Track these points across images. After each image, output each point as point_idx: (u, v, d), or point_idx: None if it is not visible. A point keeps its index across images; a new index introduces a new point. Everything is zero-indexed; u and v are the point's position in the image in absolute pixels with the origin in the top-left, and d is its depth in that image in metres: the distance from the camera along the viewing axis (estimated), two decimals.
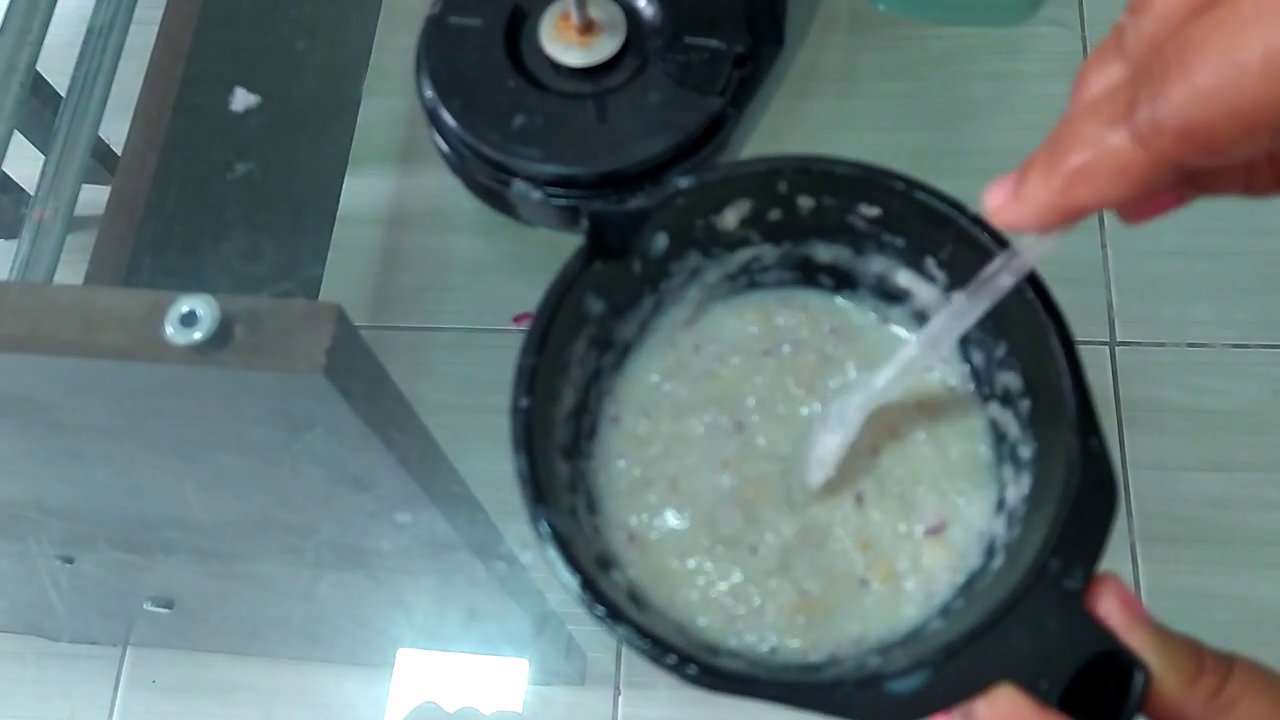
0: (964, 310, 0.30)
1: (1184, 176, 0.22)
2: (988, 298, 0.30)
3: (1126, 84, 0.22)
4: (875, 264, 0.35)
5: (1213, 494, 0.78)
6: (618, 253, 0.33)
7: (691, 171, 0.34)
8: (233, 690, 0.84)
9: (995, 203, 0.26)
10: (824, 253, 0.36)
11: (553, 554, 0.29)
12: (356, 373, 0.36)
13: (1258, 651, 0.28)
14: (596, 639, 0.78)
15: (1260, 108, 0.21)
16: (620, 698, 0.78)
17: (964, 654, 0.27)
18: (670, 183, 0.33)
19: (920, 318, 0.35)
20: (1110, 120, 0.22)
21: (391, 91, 0.77)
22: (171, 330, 0.35)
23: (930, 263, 0.34)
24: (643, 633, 0.29)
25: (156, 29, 0.64)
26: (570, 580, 0.29)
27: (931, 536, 0.33)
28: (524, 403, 0.31)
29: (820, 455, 0.33)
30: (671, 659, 0.28)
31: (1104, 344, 0.81)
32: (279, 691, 0.84)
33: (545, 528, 0.30)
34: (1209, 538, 0.77)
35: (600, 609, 0.29)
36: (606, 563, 0.33)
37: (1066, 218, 0.24)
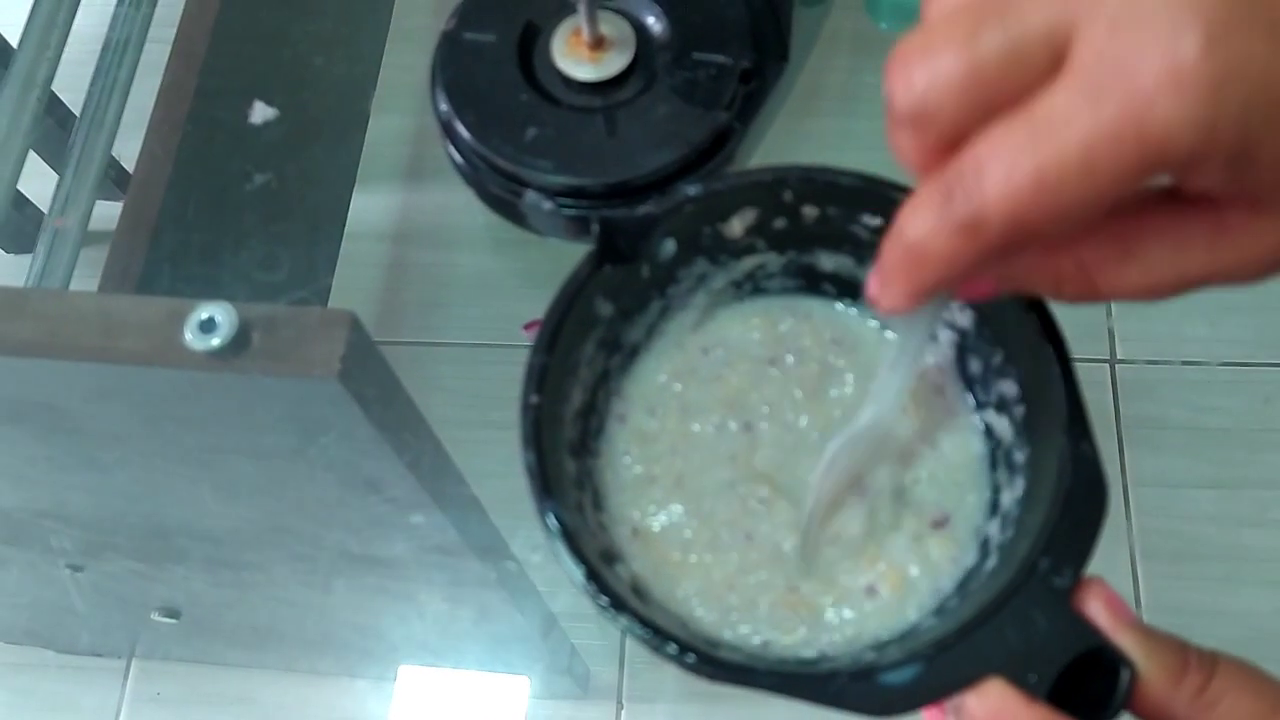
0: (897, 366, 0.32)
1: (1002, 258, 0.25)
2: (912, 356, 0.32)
3: (938, 185, 0.24)
4: None
5: (1212, 511, 0.78)
6: (627, 257, 0.34)
7: (699, 180, 0.34)
8: (236, 703, 0.84)
9: (871, 294, 0.28)
10: (827, 261, 0.36)
11: (559, 546, 0.30)
12: (370, 378, 0.37)
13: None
14: (599, 652, 0.79)
15: (1078, 202, 0.23)
16: (623, 712, 0.78)
17: (955, 648, 0.28)
18: (679, 191, 0.34)
19: None
20: (937, 218, 0.24)
21: (399, 110, 0.78)
22: (190, 336, 0.35)
23: None
24: (644, 622, 0.29)
25: (170, 47, 0.65)
26: (575, 571, 0.30)
27: (938, 529, 0.34)
28: (534, 399, 0.32)
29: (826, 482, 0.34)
30: (671, 648, 0.29)
31: (1104, 362, 0.82)
32: (282, 704, 0.84)
33: (552, 520, 0.30)
34: (1209, 554, 0.78)
35: (604, 599, 0.29)
36: (611, 558, 0.33)
37: (928, 298, 0.26)
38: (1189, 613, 0.76)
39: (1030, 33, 0.23)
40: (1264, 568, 0.77)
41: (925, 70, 0.23)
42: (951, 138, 0.24)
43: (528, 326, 0.73)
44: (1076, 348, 0.31)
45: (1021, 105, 0.23)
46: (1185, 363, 0.82)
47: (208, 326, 0.35)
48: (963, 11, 0.23)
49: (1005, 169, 0.23)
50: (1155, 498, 0.78)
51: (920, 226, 0.25)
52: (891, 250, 0.26)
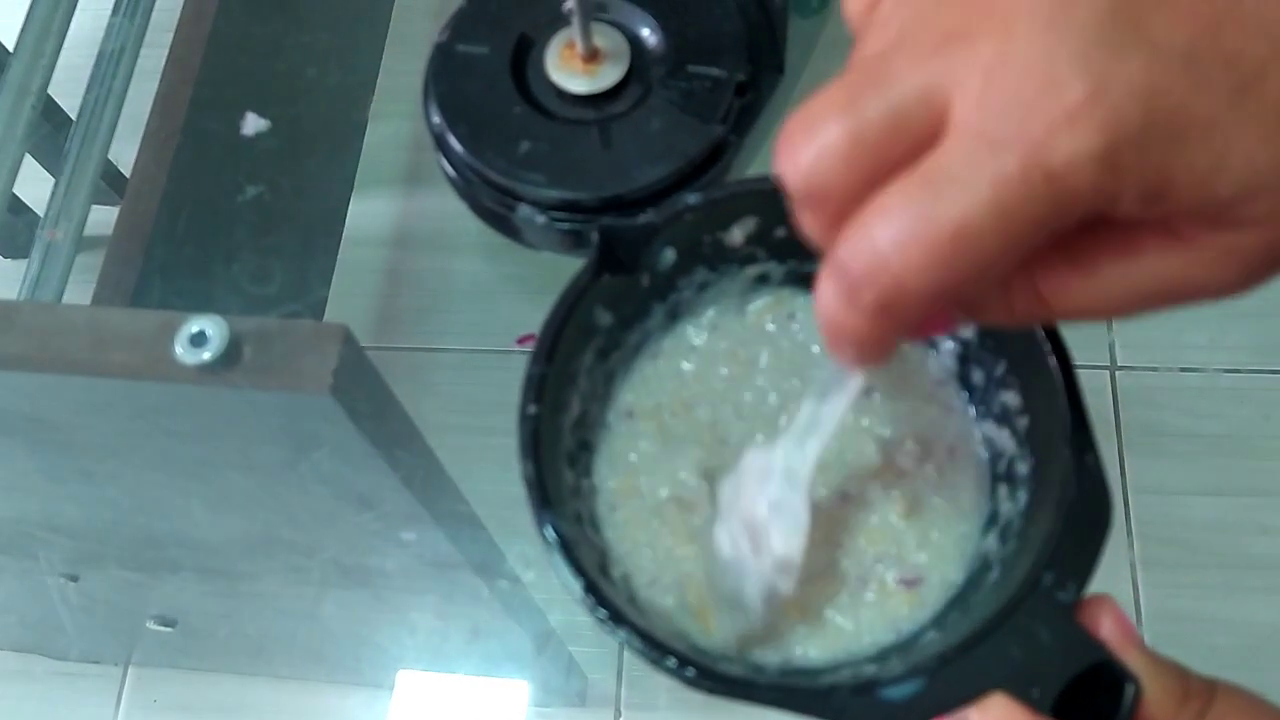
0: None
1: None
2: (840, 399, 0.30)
3: (834, 265, 0.24)
4: None
5: (1211, 518, 0.78)
6: (627, 267, 0.34)
7: (699, 189, 0.34)
8: (233, 710, 0.84)
9: (830, 351, 0.27)
10: None
11: (558, 558, 0.30)
12: (363, 393, 0.37)
13: (1256, 676, 0.28)
14: (597, 660, 0.78)
15: (996, 251, 0.22)
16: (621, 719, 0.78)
17: (957, 662, 0.28)
18: (679, 199, 0.34)
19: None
20: (841, 303, 0.24)
21: (397, 115, 0.78)
22: (181, 350, 0.35)
23: None
24: (643, 635, 0.29)
25: (165, 53, 0.64)
26: (574, 584, 0.30)
27: (906, 587, 0.33)
28: (532, 410, 0.32)
29: (784, 555, 0.31)
30: (671, 662, 0.29)
31: (1104, 368, 0.82)
32: (280, 711, 0.84)
33: (551, 532, 0.30)
34: (1208, 562, 0.78)
35: (602, 612, 0.29)
36: (608, 569, 0.33)
37: (882, 358, 0.25)
38: (1188, 620, 0.76)
39: (907, 95, 0.23)
40: (1264, 575, 0.77)
41: (810, 146, 0.23)
42: (847, 212, 0.23)
43: (522, 340, 0.73)
44: (1076, 354, 0.31)
45: (911, 169, 0.22)
46: (1185, 369, 0.82)
47: (199, 340, 0.35)
48: (840, 85, 0.23)
49: (909, 236, 0.22)
50: (1155, 505, 0.78)
51: (835, 312, 0.24)
52: (823, 327, 0.25)
